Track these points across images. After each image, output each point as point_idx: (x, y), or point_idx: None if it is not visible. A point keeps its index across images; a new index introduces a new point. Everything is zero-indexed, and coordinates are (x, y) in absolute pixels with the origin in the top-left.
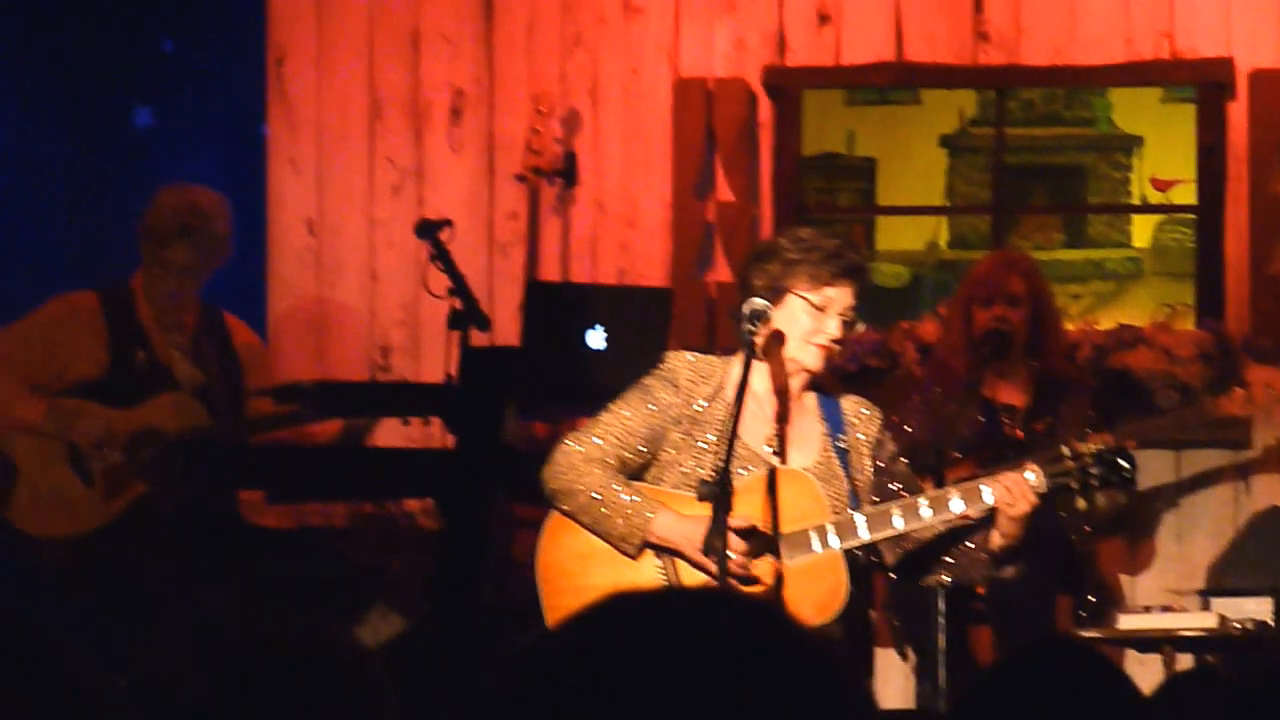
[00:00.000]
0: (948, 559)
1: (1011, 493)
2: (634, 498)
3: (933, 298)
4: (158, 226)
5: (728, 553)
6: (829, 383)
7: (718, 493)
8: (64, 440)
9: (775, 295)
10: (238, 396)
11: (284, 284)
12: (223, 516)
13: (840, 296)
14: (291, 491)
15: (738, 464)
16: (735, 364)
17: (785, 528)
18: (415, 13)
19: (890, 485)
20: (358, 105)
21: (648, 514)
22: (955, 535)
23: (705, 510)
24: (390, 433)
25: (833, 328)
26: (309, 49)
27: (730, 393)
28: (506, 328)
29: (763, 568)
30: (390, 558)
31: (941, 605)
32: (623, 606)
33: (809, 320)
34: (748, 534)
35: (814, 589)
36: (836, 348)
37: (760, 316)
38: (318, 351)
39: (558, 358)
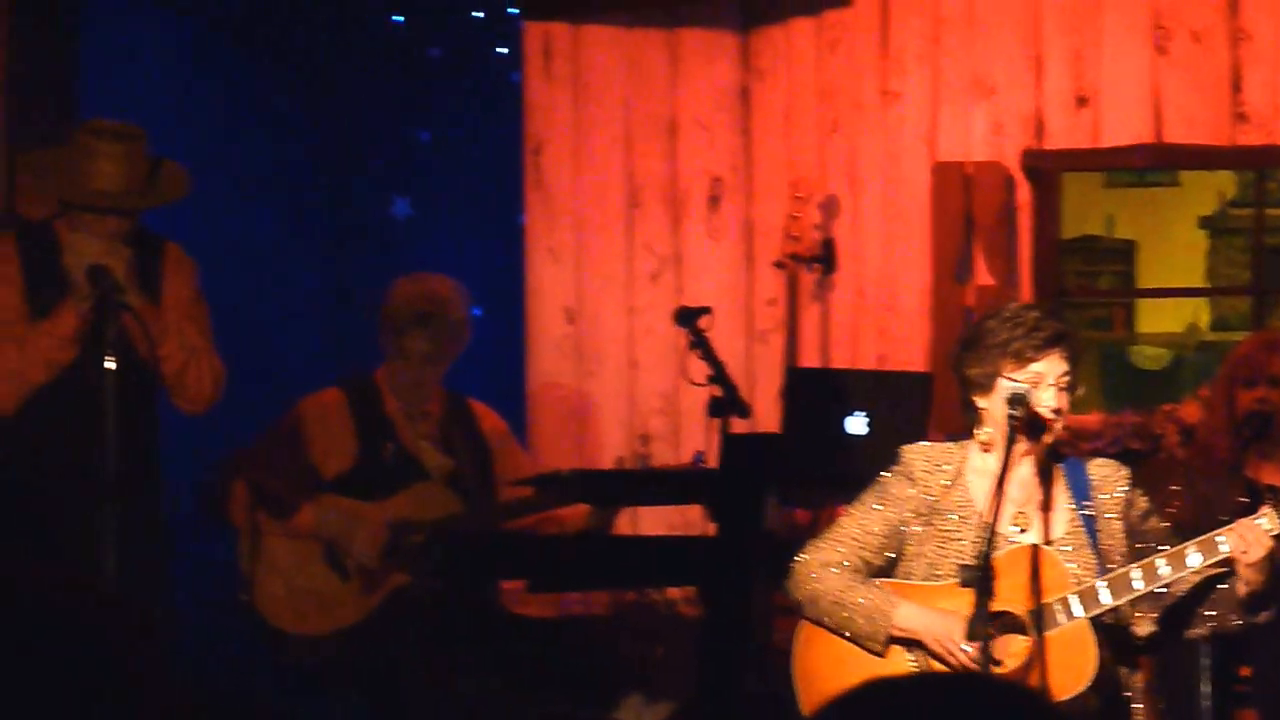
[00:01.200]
0: (1204, 612)
1: (1246, 539)
2: (872, 596)
3: (1194, 379)
4: (395, 316)
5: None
6: (1074, 449)
7: (979, 577)
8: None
9: (988, 381)
10: (488, 483)
11: (543, 372)
12: (482, 606)
13: (1049, 367)
14: (553, 581)
15: (978, 545)
16: (972, 448)
17: (1030, 603)
18: (672, 100)
19: (1141, 545)
20: (615, 193)
21: (888, 609)
22: (1206, 588)
23: (947, 602)
24: (650, 520)
25: (1050, 399)
26: (566, 138)
27: (970, 477)
28: (766, 414)
29: (1014, 646)
30: (651, 645)
31: (1205, 661)
32: (883, 692)
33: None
34: (995, 615)
35: (1065, 661)
36: (1059, 419)
37: (1020, 400)
38: (577, 440)
39: (818, 444)
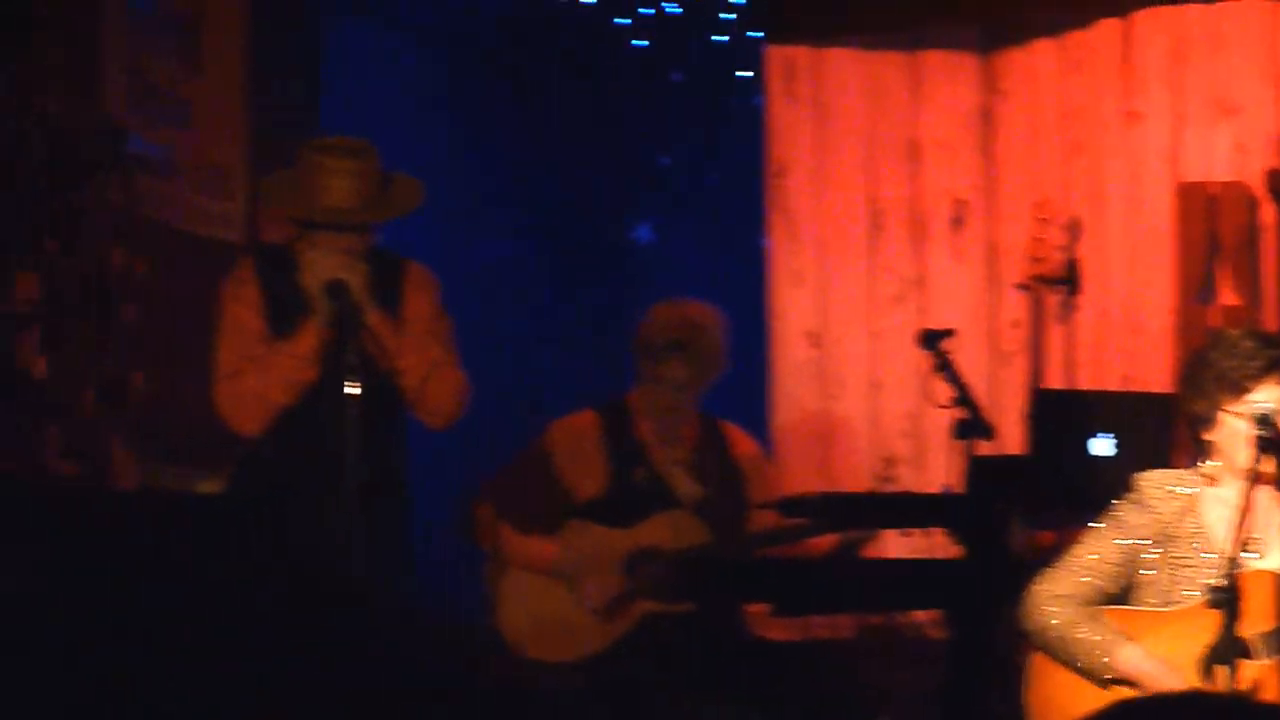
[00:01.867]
0: None
1: None
2: (1096, 633)
3: None
4: (652, 342)
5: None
6: None
7: (1226, 599)
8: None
9: (1210, 414)
10: (740, 510)
11: (787, 396)
12: (728, 632)
13: (1269, 394)
14: (798, 605)
15: (1210, 571)
16: (1202, 474)
17: (1261, 627)
18: (913, 123)
19: None
20: (858, 216)
21: (1111, 649)
22: None
23: (1180, 626)
24: (895, 543)
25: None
26: (808, 161)
27: (1205, 504)
28: (1011, 436)
29: (1244, 670)
30: (897, 670)
31: None
32: (1133, 712)
33: (1249, 426)
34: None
35: None
36: None
37: (1268, 421)
38: (821, 463)
39: (1063, 466)
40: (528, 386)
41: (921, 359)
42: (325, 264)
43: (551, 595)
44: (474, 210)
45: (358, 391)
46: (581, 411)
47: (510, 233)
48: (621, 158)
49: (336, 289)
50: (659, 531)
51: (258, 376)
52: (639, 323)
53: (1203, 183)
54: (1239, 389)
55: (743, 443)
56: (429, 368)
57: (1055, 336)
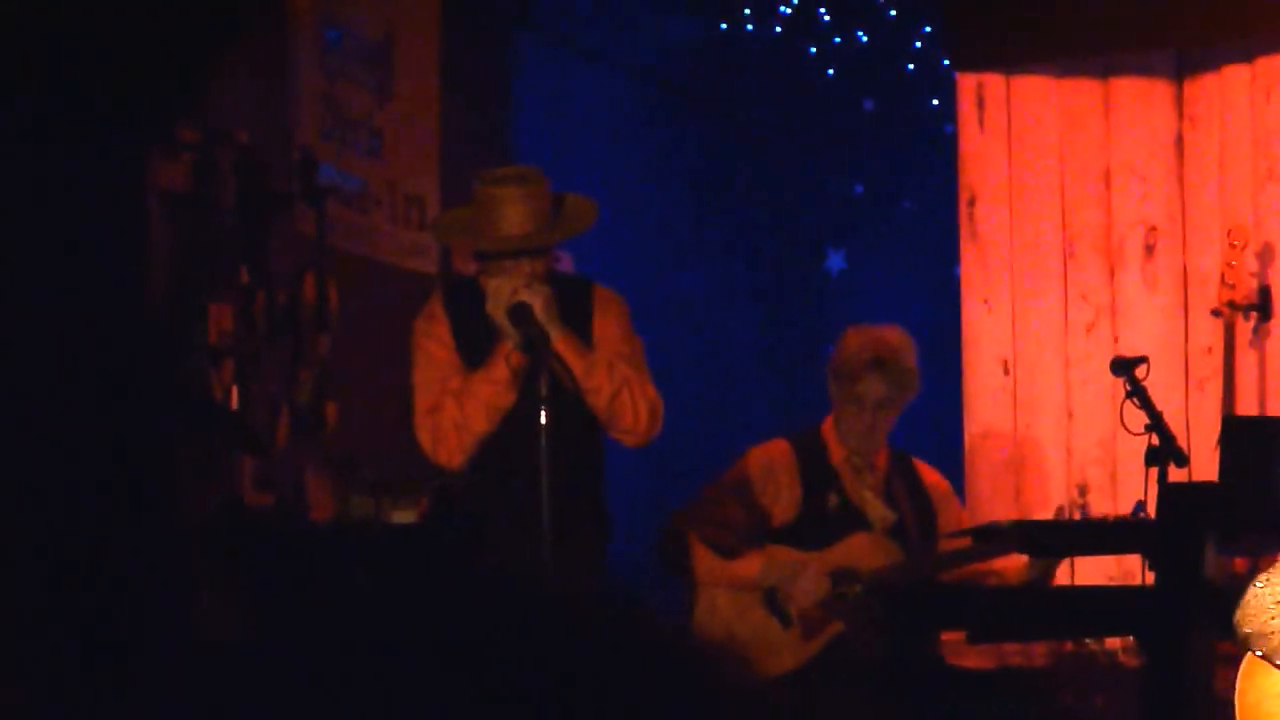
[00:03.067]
0: None
1: None
2: None
3: None
4: (848, 363)
5: None
6: None
7: None
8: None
9: None
10: (930, 536)
11: (980, 423)
12: (921, 657)
13: None
14: (993, 632)
15: None
16: None
17: None
18: (1106, 150)
19: None
20: (1050, 243)
21: None
22: None
23: None
24: (1088, 570)
25: None
26: (1000, 188)
27: None
28: (1204, 463)
29: None
30: (1091, 696)
31: None
32: None
33: None
34: None
35: None
36: None
37: None
38: (1014, 490)
39: (1256, 492)
40: (723, 413)
41: (1114, 386)
42: (507, 290)
43: (747, 613)
44: (667, 240)
45: (549, 419)
46: (777, 440)
47: (703, 261)
48: (814, 187)
49: (519, 312)
50: (854, 552)
51: (458, 407)
52: (837, 345)
53: None
54: None
55: (932, 474)
56: (618, 384)
57: (1248, 363)
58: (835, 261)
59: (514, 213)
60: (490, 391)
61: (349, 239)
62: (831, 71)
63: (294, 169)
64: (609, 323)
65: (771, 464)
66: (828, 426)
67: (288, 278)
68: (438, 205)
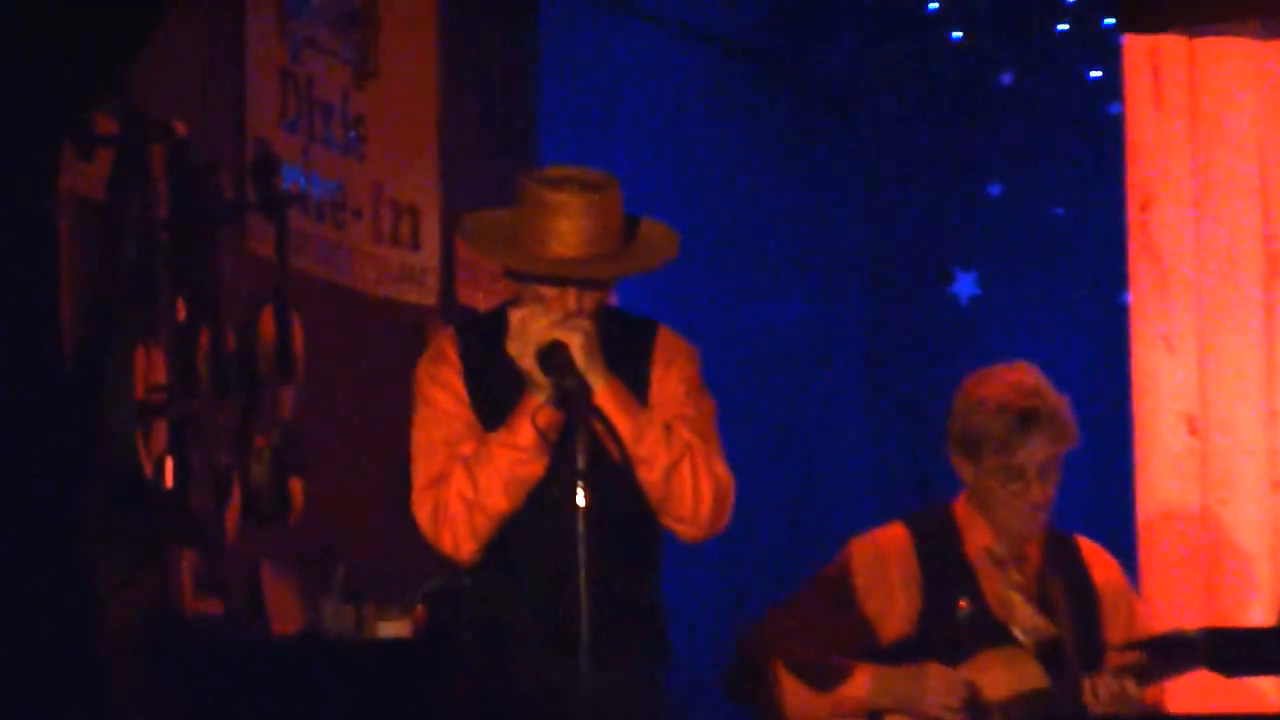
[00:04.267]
0: None
1: None
2: None
3: None
4: (987, 427)
5: None
6: None
7: None
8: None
9: None
10: (1094, 652)
11: (1158, 498)
12: None
13: None
14: None
15: None
16: None
17: None
18: None
19: None
20: (1250, 261)
21: None
22: None
23: None
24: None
25: None
26: (1184, 189)
27: None
28: None
29: None
30: None
31: None
32: None
33: None
34: None
35: None
36: None
37: None
38: (1204, 586)
39: None
40: (815, 490)
41: None
42: (539, 324)
43: None
44: (739, 258)
45: (586, 500)
46: (889, 525)
47: (787, 287)
48: (937, 187)
49: (552, 355)
50: (987, 674)
51: (469, 480)
52: (954, 406)
53: None
54: None
55: (1103, 566)
56: (677, 454)
57: None
58: (964, 285)
59: (573, 228)
60: (512, 459)
61: (320, 261)
62: (957, 35)
63: (246, 170)
64: (671, 375)
65: (882, 558)
66: (961, 506)
67: (239, 313)
68: (438, 217)
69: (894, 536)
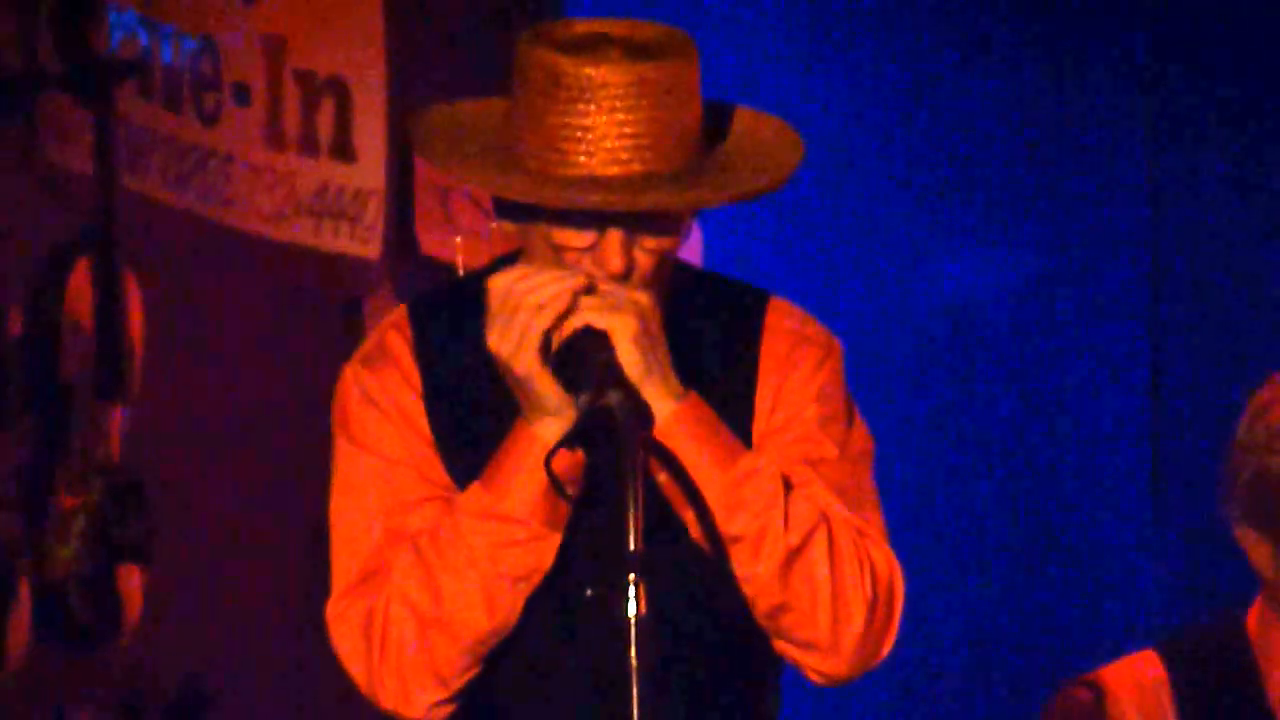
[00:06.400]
0: None
1: None
2: None
3: None
4: None
5: None
6: None
7: None
8: None
9: None
10: None
11: None
12: None
13: None
14: None
15: None
16: None
17: None
18: None
19: None
20: None
21: None
22: None
23: None
24: None
25: None
26: None
27: None
28: None
29: None
30: None
31: None
32: None
33: None
34: None
35: None
36: None
37: None
38: None
39: None
40: (1033, 584)
41: None
42: (554, 299)
43: None
44: (942, 201)
45: (641, 607)
46: (1136, 655)
47: (1020, 249)
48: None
49: (582, 354)
50: None
51: (425, 577)
52: (1243, 434)
53: None
54: None
55: None
56: (807, 534)
57: None
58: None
59: (614, 125)
60: (499, 538)
61: (174, 181)
62: None
63: (40, 18)
64: (795, 387)
65: (1140, 698)
66: (1254, 618)
67: (29, 275)
68: (384, 102)
69: (1144, 667)
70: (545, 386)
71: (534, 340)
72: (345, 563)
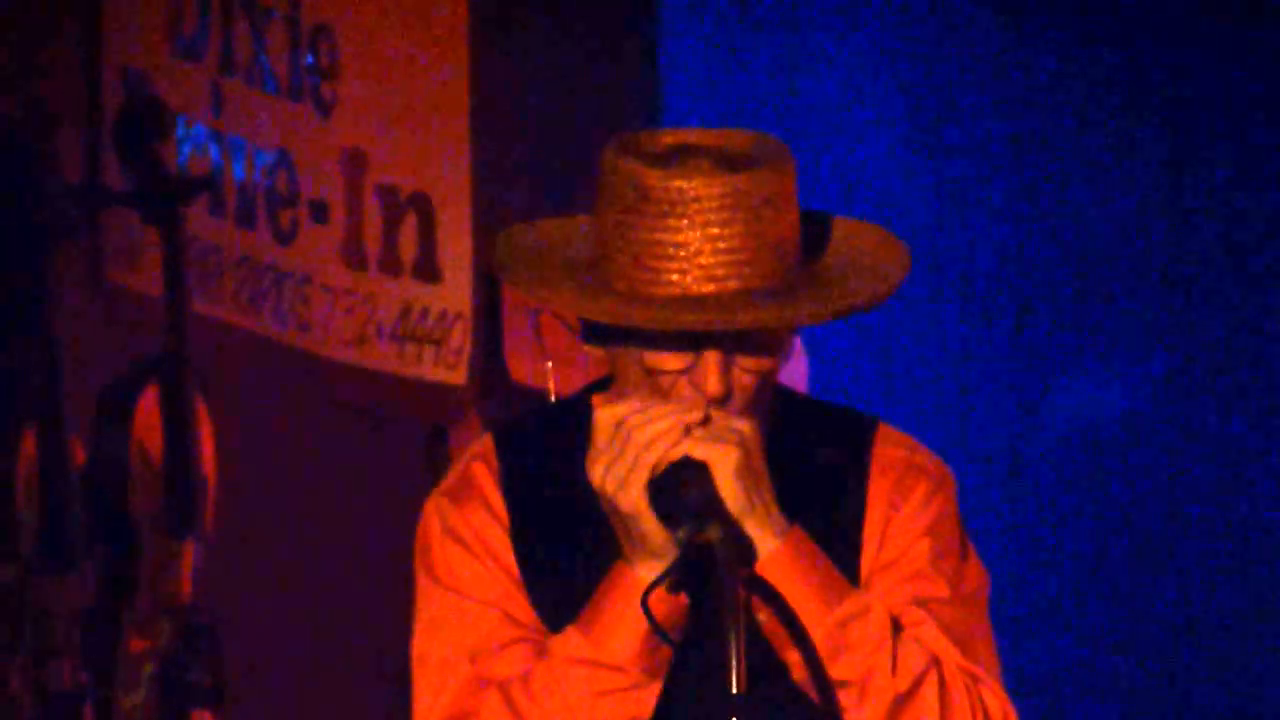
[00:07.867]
0: None
1: None
2: None
3: None
4: None
5: None
6: None
7: None
8: None
9: None
10: None
11: None
12: None
13: None
14: None
15: None
16: None
17: None
18: None
19: None
20: None
21: None
22: None
23: None
24: None
25: None
26: None
27: None
28: None
29: None
30: None
31: None
32: None
33: None
34: None
35: None
36: None
37: None
38: None
39: None
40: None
41: None
42: (653, 429)
43: None
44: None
45: None
46: None
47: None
48: None
49: (680, 488)
50: None
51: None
52: None
53: None
54: None
55: None
56: (918, 677)
57: None
58: None
59: (707, 241)
60: (596, 684)
61: (248, 303)
62: None
63: (105, 130)
64: (905, 522)
65: None
66: None
67: (100, 401)
68: (469, 220)
69: None
70: (651, 526)
71: (641, 477)
72: (429, 706)
